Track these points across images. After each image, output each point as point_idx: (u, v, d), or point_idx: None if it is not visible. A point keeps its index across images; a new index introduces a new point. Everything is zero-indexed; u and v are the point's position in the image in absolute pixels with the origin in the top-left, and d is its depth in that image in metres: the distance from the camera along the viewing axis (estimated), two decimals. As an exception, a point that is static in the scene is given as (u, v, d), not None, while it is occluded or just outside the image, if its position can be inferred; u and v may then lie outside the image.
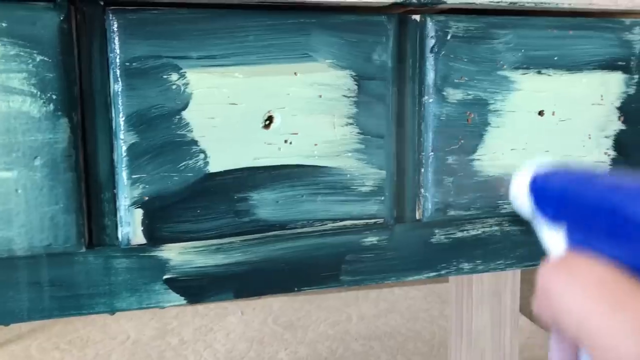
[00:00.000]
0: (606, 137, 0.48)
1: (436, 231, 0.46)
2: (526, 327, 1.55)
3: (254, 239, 0.42)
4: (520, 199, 0.25)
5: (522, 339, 1.48)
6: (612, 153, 0.48)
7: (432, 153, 0.44)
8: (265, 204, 0.41)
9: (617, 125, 0.48)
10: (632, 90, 0.48)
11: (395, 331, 1.52)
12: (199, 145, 0.39)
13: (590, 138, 0.47)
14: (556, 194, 0.23)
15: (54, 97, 0.36)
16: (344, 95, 0.41)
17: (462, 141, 0.44)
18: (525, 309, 1.71)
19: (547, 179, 0.24)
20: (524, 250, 0.48)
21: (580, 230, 0.22)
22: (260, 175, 0.40)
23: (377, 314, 1.63)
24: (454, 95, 0.44)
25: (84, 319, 1.58)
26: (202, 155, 0.39)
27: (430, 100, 0.43)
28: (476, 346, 0.83)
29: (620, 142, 0.48)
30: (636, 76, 0.48)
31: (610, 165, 0.48)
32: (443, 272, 0.47)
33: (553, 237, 0.24)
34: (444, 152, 0.44)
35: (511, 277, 0.80)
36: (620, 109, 0.48)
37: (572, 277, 0.20)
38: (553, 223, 0.23)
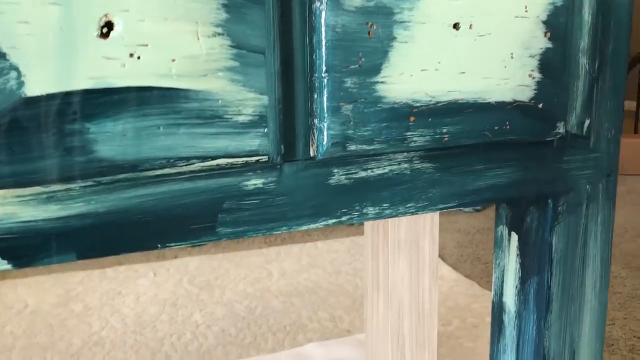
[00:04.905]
0: (531, 56, 0.41)
1: (334, 170, 0.39)
2: (449, 276, 1.54)
3: (97, 183, 0.33)
4: None
5: (446, 288, 1.46)
6: (538, 75, 0.41)
7: (327, 74, 0.36)
8: (108, 138, 0.31)
9: (543, 43, 0.41)
10: (559, 1, 0.41)
11: (317, 286, 1.47)
12: (8, 60, 0.29)
13: (513, 57, 0.40)
14: None
15: None
16: (209, -4, 0.32)
17: (363, 59, 0.36)
18: (449, 257, 1.69)
19: None
20: (437, 190, 0.42)
21: None
22: (99, 100, 0.31)
23: (299, 270, 1.58)
24: (352, 1, 0.35)
25: (-22, 289, 1.44)
26: (13, 74, 0.29)
27: (322, 6, 0.35)
28: (393, 297, 0.78)
29: (546, 63, 0.41)
30: (564, -16, 0.41)
31: (536, 90, 0.41)
32: (344, 218, 0.39)
33: None
34: (341, 73, 0.36)
35: (430, 223, 0.74)
36: (546, 23, 0.41)
37: None
38: None
